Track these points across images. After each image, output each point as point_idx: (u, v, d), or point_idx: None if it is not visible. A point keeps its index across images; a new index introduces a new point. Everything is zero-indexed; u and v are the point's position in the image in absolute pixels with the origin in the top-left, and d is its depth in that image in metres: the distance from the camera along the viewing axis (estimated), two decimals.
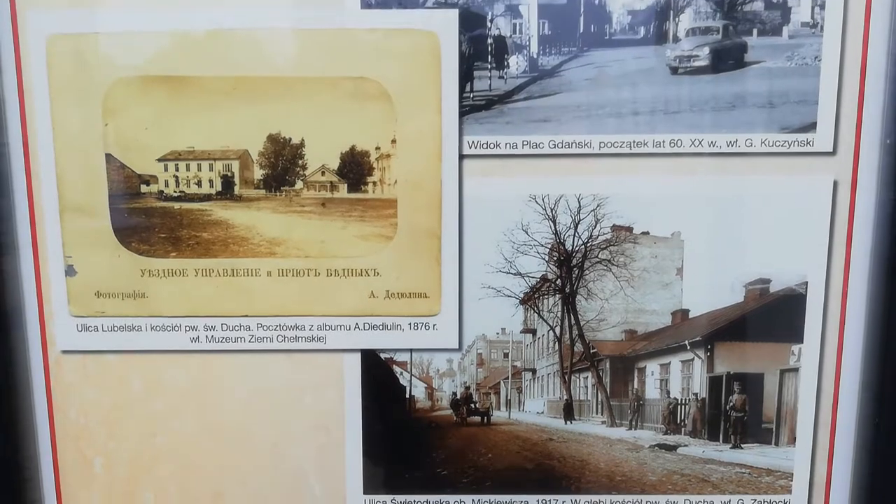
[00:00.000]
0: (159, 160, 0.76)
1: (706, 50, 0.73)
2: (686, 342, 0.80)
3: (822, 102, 0.73)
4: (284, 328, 0.79)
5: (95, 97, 0.74)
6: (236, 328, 0.79)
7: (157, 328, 0.79)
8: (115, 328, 0.79)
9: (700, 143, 0.75)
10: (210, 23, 0.73)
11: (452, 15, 0.72)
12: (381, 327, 0.79)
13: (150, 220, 0.78)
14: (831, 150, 0.75)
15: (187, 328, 0.79)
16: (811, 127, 0.74)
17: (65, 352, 0.80)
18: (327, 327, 0.79)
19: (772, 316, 0.78)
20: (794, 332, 0.78)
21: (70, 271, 0.78)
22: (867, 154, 0.75)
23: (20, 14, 0.74)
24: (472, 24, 0.73)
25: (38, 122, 0.75)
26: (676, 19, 0.73)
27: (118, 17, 0.73)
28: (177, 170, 0.77)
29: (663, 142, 0.75)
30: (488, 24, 0.73)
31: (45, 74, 0.74)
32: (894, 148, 0.73)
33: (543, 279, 0.79)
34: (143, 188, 0.77)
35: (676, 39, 0.74)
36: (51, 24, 0.73)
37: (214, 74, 0.74)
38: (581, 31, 0.74)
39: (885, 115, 0.74)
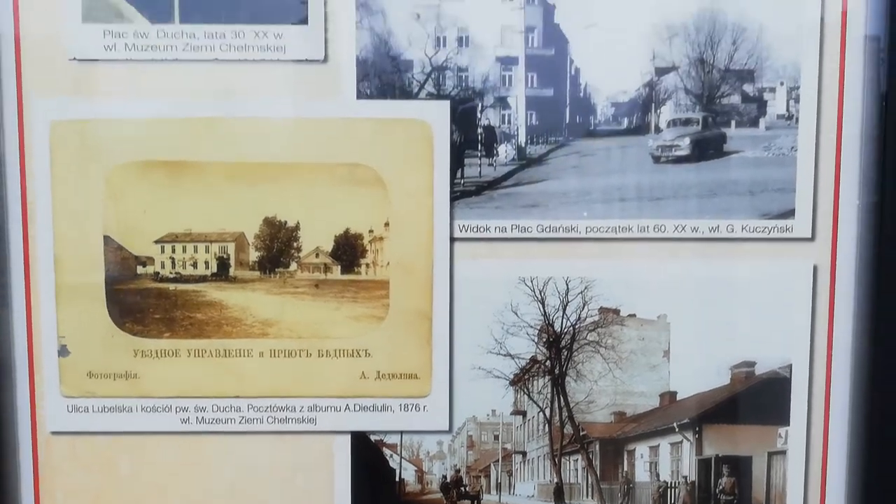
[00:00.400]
0: (156, 242, 0.78)
1: (687, 140, 0.76)
2: (675, 424, 0.80)
3: (800, 190, 0.76)
4: (275, 409, 0.79)
5: (96, 181, 0.77)
6: (227, 409, 0.79)
7: (148, 409, 0.79)
8: (106, 409, 0.79)
9: (683, 228, 0.77)
10: (211, 111, 0.76)
11: (444, 106, 0.75)
12: (371, 408, 0.79)
13: (146, 300, 0.79)
14: (810, 236, 0.77)
15: (178, 409, 0.79)
16: (790, 213, 0.77)
17: (54, 433, 0.80)
18: (318, 408, 0.79)
19: (758, 398, 0.79)
20: (780, 415, 0.79)
21: (63, 351, 0.79)
22: (845, 239, 0.77)
23: (26, 100, 0.76)
24: (463, 114, 0.76)
25: (38, 204, 0.77)
26: (658, 111, 0.77)
27: (121, 104, 0.76)
28: (173, 251, 0.79)
29: (648, 227, 0.77)
30: (478, 114, 0.77)
31: (48, 158, 0.76)
32: (871, 233, 0.76)
33: (533, 360, 0.80)
34: (140, 269, 0.78)
35: (658, 130, 0.77)
36: (55, 110, 0.76)
37: (213, 160, 0.76)
38: (567, 121, 0.77)
39: (861, 203, 0.77)
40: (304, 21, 0.74)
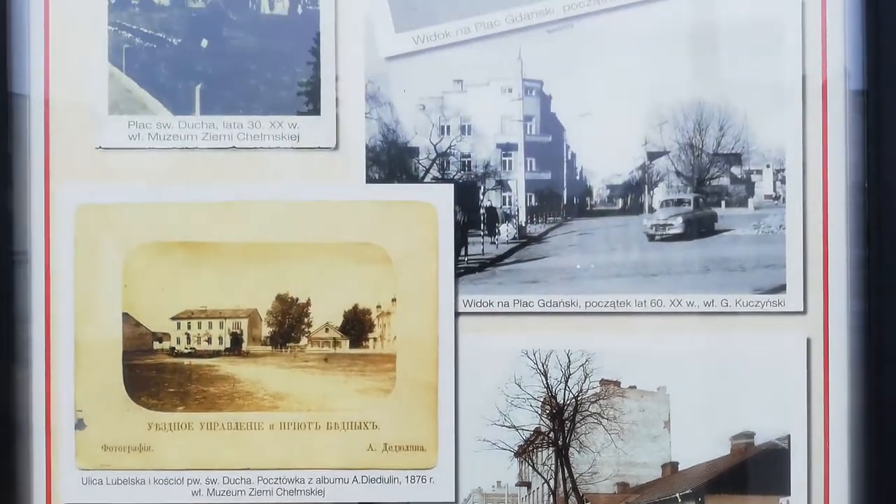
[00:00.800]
0: (173, 318, 0.81)
1: (680, 220, 0.80)
2: (677, 495, 0.81)
3: (790, 266, 0.80)
4: (284, 481, 0.81)
5: (117, 261, 0.80)
6: (237, 481, 0.81)
7: (161, 481, 0.81)
8: (120, 481, 0.81)
9: (679, 302, 0.80)
10: (227, 195, 0.80)
11: (448, 189, 0.80)
12: (378, 480, 0.81)
13: (161, 375, 0.81)
14: (802, 310, 0.80)
15: (190, 481, 0.81)
16: (781, 288, 0.80)
17: None
18: (326, 480, 0.81)
19: (758, 469, 0.80)
20: (781, 485, 0.80)
21: (80, 425, 0.81)
22: (836, 312, 0.80)
23: (53, 184, 0.81)
24: (466, 196, 0.81)
25: (61, 282, 0.80)
26: (651, 192, 0.81)
27: (143, 189, 0.80)
28: (189, 328, 0.82)
29: (645, 301, 0.80)
30: (481, 196, 0.81)
31: (72, 241, 0.80)
32: (862, 302, 0.79)
33: (537, 432, 0.82)
34: (156, 345, 0.81)
35: (652, 210, 0.81)
36: (80, 195, 0.80)
37: (229, 240, 0.80)
38: (564, 202, 0.81)
39: (849, 275, 0.80)
40: (317, 112, 0.80)
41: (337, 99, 0.79)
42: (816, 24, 0.80)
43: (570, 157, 0.81)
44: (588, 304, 0.80)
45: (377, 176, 0.80)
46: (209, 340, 0.82)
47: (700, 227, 0.81)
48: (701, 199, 0.81)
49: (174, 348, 0.82)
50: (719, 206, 0.81)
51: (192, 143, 0.79)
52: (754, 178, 0.80)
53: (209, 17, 0.80)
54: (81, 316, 0.81)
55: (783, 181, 0.80)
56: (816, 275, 0.80)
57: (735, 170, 0.81)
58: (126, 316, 0.81)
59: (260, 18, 0.80)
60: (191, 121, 0.79)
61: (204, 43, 0.80)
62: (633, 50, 0.80)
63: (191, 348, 0.82)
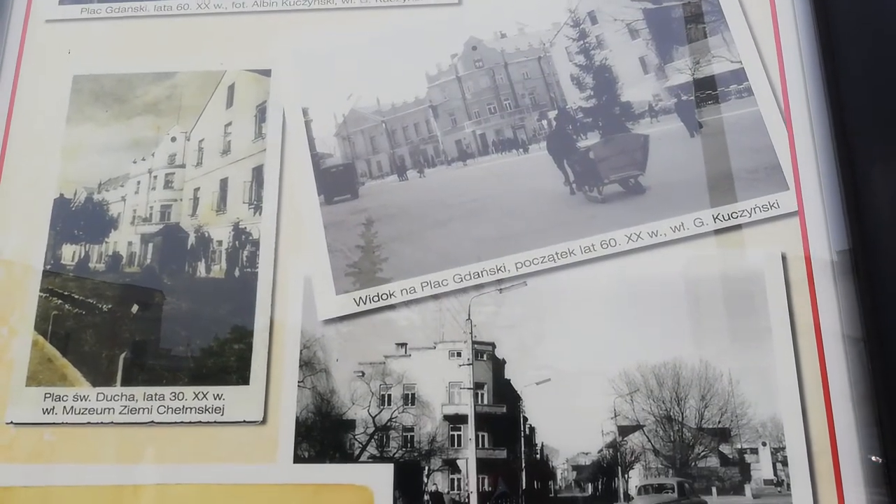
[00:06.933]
0: None
1: None
2: None
3: None
4: None
5: None
6: None
7: None
8: None
9: None
10: (144, 477, 0.70)
11: (388, 470, 0.69)
12: None
13: None
14: None
15: None
16: None
17: None
18: None
19: None
20: None
21: None
22: None
23: None
24: (408, 478, 0.69)
25: None
26: (626, 475, 0.68)
27: (60, 471, 0.73)
28: None
29: None
30: (425, 478, 0.69)
31: None
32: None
33: None
34: None
35: (628, 498, 0.68)
36: None
37: None
38: (524, 487, 0.68)
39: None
40: (245, 381, 0.72)
41: (269, 366, 0.72)
42: (802, 275, 0.72)
43: (527, 432, 0.69)
44: None
45: (307, 454, 0.69)
46: None
47: None
48: (686, 485, 0.67)
49: None
50: (709, 492, 0.67)
51: (108, 417, 0.72)
52: (749, 458, 0.67)
53: (143, 281, 0.77)
54: None
55: (784, 462, 0.66)
56: None
57: (724, 448, 0.67)
58: None
59: (195, 282, 0.76)
60: (110, 392, 0.72)
61: (134, 308, 0.76)
62: (596, 308, 0.72)
63: None
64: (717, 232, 0.74)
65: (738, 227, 0.75)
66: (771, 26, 0.83)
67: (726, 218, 0.75)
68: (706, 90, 0.82)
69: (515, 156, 0.83)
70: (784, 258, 0.72)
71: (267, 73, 0.84)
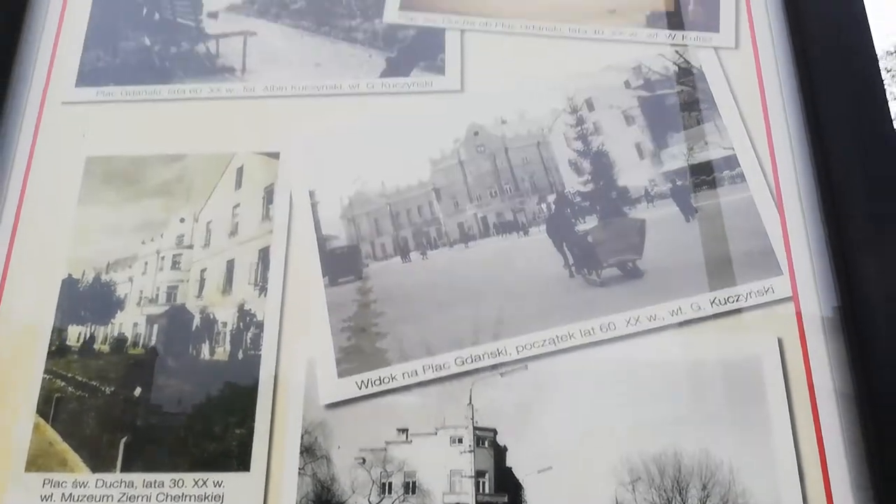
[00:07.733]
0: None
1: None
2: None
3: None
4: None
5: None
6: None
7: None
8: None
9: None
10: None
11: None
12: None
13: None
14: None
15: None
16: None
17: None
18: None
19: None
20: None
21: None
22: None
23: None
24: None
25: None
26: None
27: None
28: None
29: None
30: None
31: None
32: None
33: None
34: None
35: None
36: None
37: None
38: None
39: None
40: (246, 468, 0.72)
41: (269, 452, 0.72)
42: (797, 355, 0.73)
43: None
44: None
45: None
46: None
47: None
48: None
49: None
50: None
51: None
52: None
53: (147, 363, 0.77)
54: None
55: None
56: None
57: None
58: None
59: (198, 365, 0.77)
60: (109, 479, 0.72)
61: (137, 391, 0.76)
62: (597, 394, 0.72)
63: None
64: (715, 316, 0.76)
65: (736, 311, 0.76)
66: (761, 113, 0.86)
67: (723, 302, 0.76)
68: (701, 176, 0.85)
69: (516, 238, 0.85)
70: (781, 343, 0.73)
71: (276, 155, 0.87)
